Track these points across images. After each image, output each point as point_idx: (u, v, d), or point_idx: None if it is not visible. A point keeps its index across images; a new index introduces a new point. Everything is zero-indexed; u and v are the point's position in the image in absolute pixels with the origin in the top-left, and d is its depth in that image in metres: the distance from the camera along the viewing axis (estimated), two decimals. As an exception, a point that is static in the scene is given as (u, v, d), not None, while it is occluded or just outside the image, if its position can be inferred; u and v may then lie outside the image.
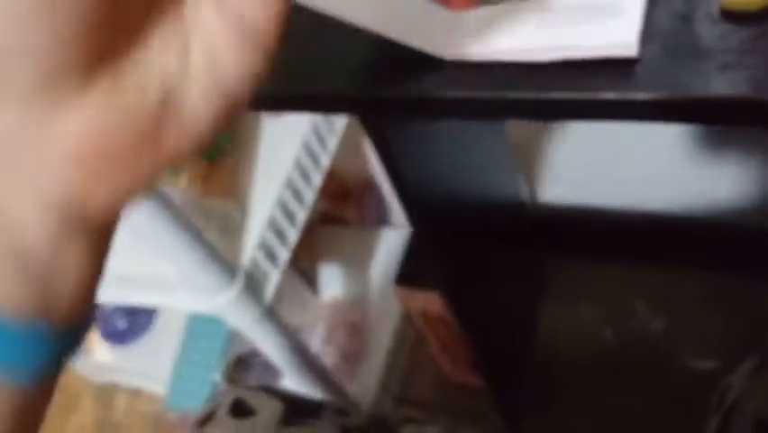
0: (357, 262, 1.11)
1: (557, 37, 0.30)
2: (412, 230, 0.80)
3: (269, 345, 0.75)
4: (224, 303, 0.67)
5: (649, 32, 0.30)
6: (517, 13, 0.32)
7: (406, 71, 0.35)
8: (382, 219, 1.13)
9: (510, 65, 0.31)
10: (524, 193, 0.94)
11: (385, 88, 0.37)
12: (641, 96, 0.28)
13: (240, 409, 0.45)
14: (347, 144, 0.83)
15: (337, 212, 1.14)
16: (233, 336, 0.90)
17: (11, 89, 0.15)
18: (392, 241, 1.11)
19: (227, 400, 0.46)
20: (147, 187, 0.18)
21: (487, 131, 0.78)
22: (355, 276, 1.10)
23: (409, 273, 0.77)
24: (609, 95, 0.28)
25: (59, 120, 0.16)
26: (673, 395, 0.86)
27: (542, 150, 0.95)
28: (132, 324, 1.09)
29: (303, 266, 1.09)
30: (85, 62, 0.16)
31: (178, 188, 0.68)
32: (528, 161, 0.95)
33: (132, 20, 0.17)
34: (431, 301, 0.78)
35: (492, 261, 0.80)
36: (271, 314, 0.73)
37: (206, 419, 0.45)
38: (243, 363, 0.96)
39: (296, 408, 0.45)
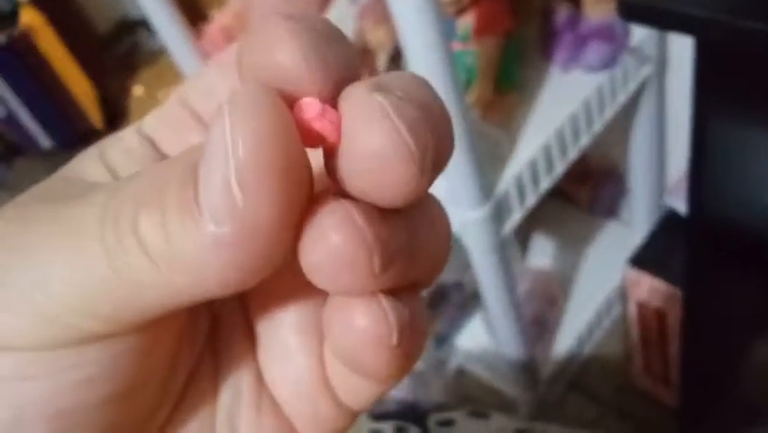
0: (574, 244, 1.11)
1: None
2: (665, 218, 0.79)
3: (490, 278, 0.78)
4: (471, 220, 0.71)
5: None
6: None
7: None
8: (612, 212, 1.12)
9: None
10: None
11: (735, 17, 0.38)
12: None
13: None
14: (611, 127, 0.83)
15: (569, 190, 1.14)
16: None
17: None
18: (615, 234, 1.09)
19: None
20: None
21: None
22: (568, 255, 1.10)
23: (646, 258, 0.76)
24: None
25: None
26: None
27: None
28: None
29: (520, 229, 1.11)
30: None
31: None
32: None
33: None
34: (656, 293, 0.77)
35: (740, 286, 0.77)
36: (504, 248, 0.76)
37: None
38: (442, 293, 1.00)
39: None
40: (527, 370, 0.95)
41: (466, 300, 1.01)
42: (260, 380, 0.17)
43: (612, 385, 0.99)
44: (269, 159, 0.12)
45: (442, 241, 0.15)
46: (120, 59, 1.80)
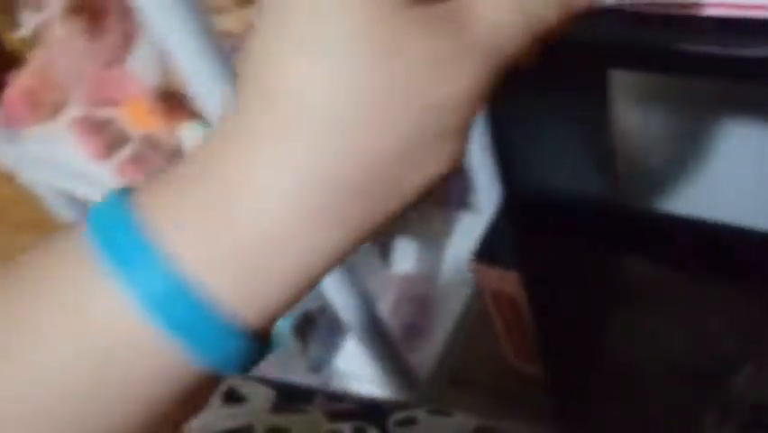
0: (432, 241, 1.12)
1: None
2: (500, 206, 0.80)
3: (342, 300, 0.77)
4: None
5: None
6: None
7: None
8: (463, 203, 1.14)
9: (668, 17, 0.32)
10: (615, 195, 0.92)
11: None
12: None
13: (232, 397, 0.44)
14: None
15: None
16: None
17: None
18: (469, 224, 1.11)
19: (220, 389, 0.44)
20: None
21: (591, 125, 0.78)
22: (429, 254, 1.11)
23: (489, 250, 0.77)
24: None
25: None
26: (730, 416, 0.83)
27: (641, 156, 0.93)
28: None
29: (378, 238, 1.10)
30: None
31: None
32: (627, 166, 0.94)
33: None
34: (505, 281, 0.78)
35: (573, 254, 0.80)
36: (350, 269, 0.75)
37: None
38: (310, 320, 0.98)
39: (288, 394, 0.44)
40: (406, 375, 0.95)
41: (334, 323, 0.99)
42: None
43: (490, 372, 1.01)
44: None
45: None
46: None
